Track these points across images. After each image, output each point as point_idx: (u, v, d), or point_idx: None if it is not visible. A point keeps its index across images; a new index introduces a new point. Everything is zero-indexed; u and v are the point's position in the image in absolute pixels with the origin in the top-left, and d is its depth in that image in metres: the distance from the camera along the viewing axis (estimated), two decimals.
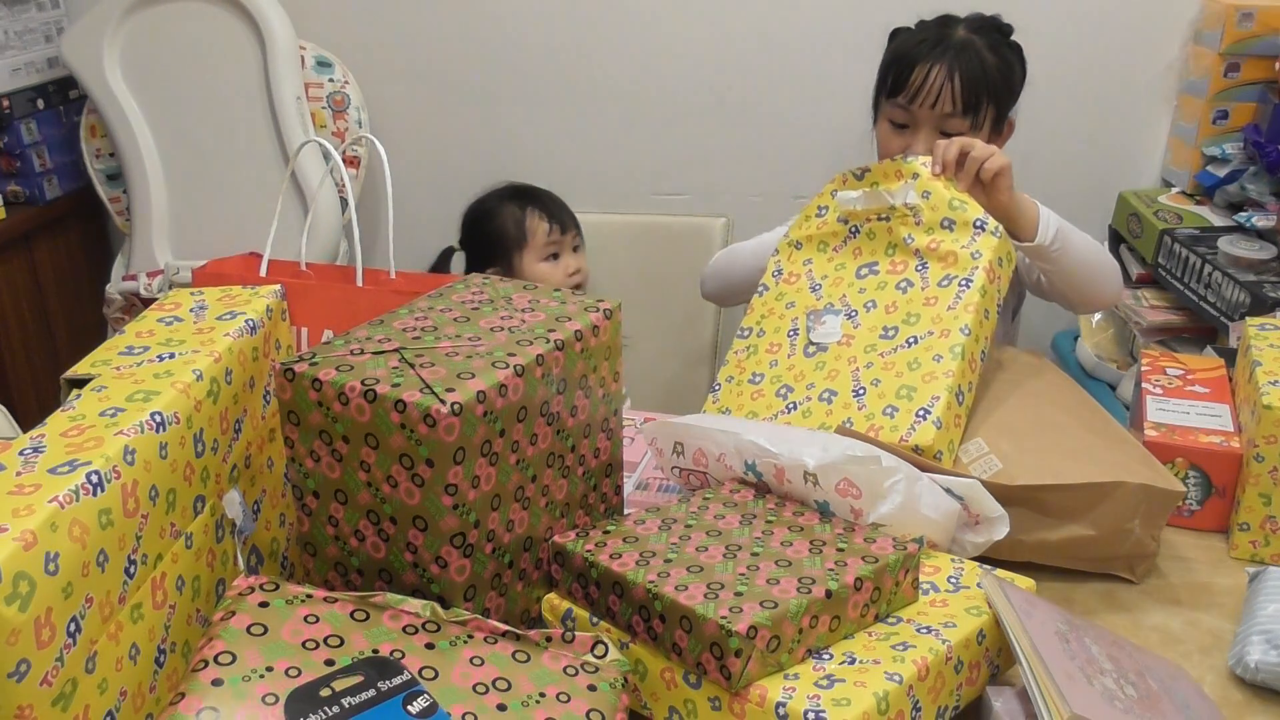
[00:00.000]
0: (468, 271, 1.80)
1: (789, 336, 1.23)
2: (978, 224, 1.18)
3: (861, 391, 1.14)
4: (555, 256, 1.77)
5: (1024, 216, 1.29)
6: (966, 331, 1.12)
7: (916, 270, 1.19)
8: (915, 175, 1.23)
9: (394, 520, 0.80)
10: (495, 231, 1.76)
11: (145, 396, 0.76)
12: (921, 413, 1.08)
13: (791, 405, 1.16)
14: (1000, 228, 1.18)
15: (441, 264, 1.85)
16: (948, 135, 1.49)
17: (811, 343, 1.20)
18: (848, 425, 1.11)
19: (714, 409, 1.22)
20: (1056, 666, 0.77)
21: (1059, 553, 1.06)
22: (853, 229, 1.25)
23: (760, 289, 1.29)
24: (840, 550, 0.86)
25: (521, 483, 0.85)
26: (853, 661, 0.78)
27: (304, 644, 0.70)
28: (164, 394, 0.76)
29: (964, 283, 1.16)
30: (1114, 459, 1.06)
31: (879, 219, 1.23)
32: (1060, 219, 1.33)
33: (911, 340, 1.14)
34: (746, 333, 1.27)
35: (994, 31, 1.51)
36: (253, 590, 0.73)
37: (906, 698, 0.76)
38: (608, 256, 1.98)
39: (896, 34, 1.55)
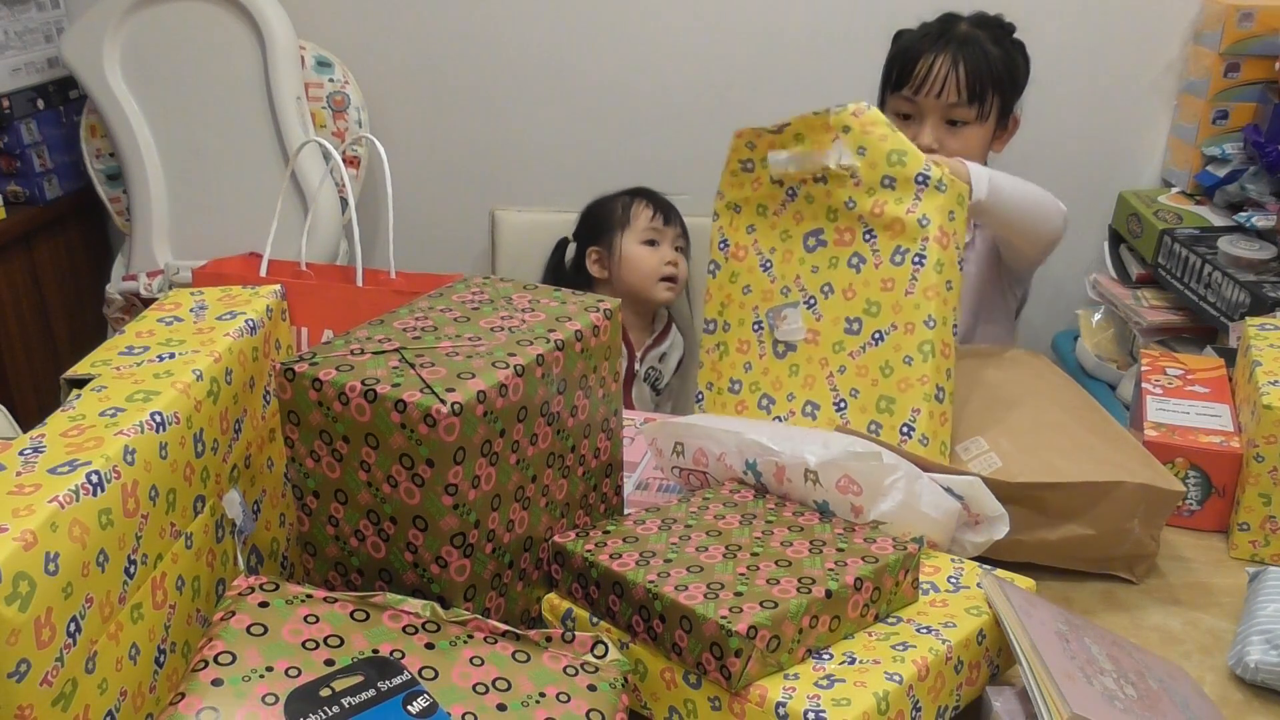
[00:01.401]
0: (575, 255, 1.90)
1: (754, 331, 1.21)
2: (920, 179, 1.13)
3: (843, 405, 1.14)
4: (654, 244, 1.84)
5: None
6: (931, 324, 1.10)
7: (865, 240, 1.15)
8: (846, 128, 1.16)
9: (394, 520, 0.80)
10: (604, 213, 1.87)
11: (145, 396, 0.76)
12: (906, 429, 1.09)
13: (778, 419, 1.17)
14: (944, 176, 1.13)
15: (556, 254, 1.94)
16: (954, 125, 1.50)
17: (779, 341, 1.19)
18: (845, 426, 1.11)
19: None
20: (1056, 666, 0.77)
21: (1059, 552, 1.06)
22: (789, 191, 1.21)
23: (710, 267, 1.26)
24: (840, 550, 0.86)
25: (521, 483, 0.85)
26: (853, 661, 0.78)
27: (304, 644, 0.70)
28: (164, 394, 0.76)
29: (917, 259, 1.12)
30: (1114, 458, 1.06)
31: (815, 180, 1.18)
32: (990, 169, 1.31)
33: (877, 336, 1.13)
34: (712, 326, 1.26)
35: (997, 27, 1.52)
36: (253, 590, 0.73)
37: (906, 698, 0.76)
38: None
39: (900, 35, 1.56)
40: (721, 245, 1.26)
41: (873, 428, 1.11)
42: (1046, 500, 1.04)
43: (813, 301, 1.18)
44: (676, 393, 2.01)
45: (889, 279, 1.13)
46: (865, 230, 1.15)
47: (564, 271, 1.91)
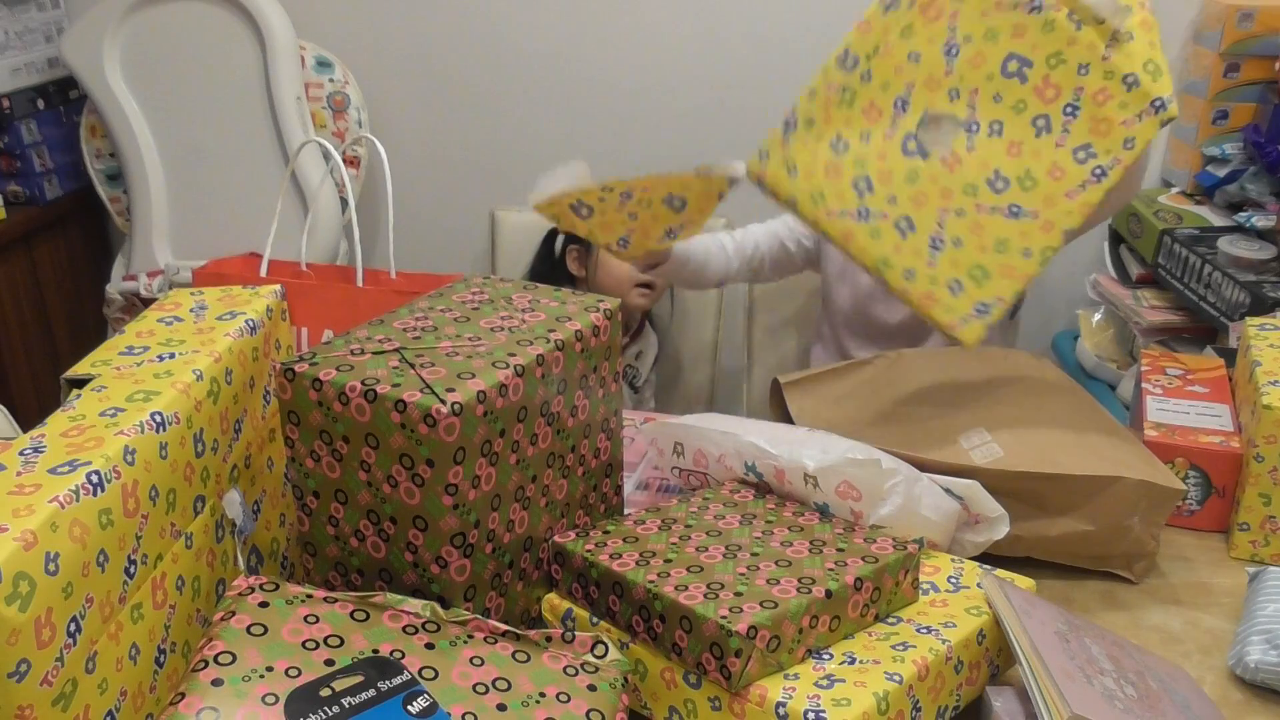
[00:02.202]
0: (563, 247, 1.90)
1: (895, 107, 1.05)
2: (1156, 104, 1.04)
3: (939, 245, 1.03)
4: None
5: None
6: (1065, 237, 1.04)
7: (1064, 111, 1.05)
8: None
9: (394, 520, 0.80)
10: None
11: (145, 396, 0.76)
12: (981, 309, 1.02)
13: (863, 212, 1.03)
14: (1171, 106, 1.05)
15: (546, 244, 1.94)
16: None
17: (914, 137, 1.05)
18: (909, 278, 1.03)
19: (778, 150, 1.03)
20: (1056, 666, 0.77)
21: (1058, 548, 1.06)
22: (1035, 3, 1.05)
23: (886, 1, 1.05)
24: (840, 550, 0.86)
25: (521, 483, 0.85)
26: (853, 661, 0.78)
27: (304, 644, 0.70)
28: (164, 394, 0.76)
29: (1099, 172, 1.04)
30: (1115, 455, 1.06)
31: (1069, 15, 1.04)
32: None
33: (1015, 210, 1.03)
34: (853, 63, 1.04)
35: None
36: (253, 590, 0.73)
37: (906, 698, 0.76)
38: None
39: None
40: None
41: (953, 286, 1.02)
42: (1046, 493, 1.04)
43: (975, 128, 1.06)
44: (657, 389, 2.01)
45: (1061, 169, 1.04)
46: (1072, 102, 1.05)
47: (551, 264, 1.91)
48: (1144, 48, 1.04)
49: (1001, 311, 1.03)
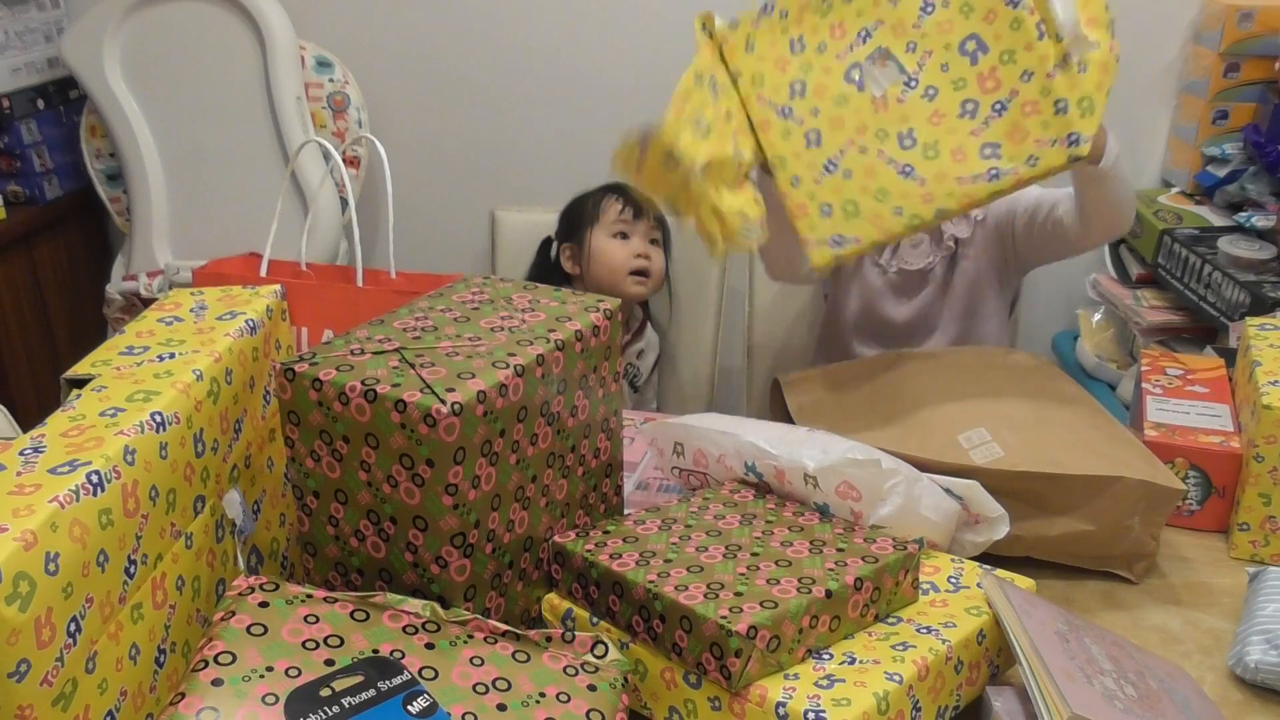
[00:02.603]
0: (556, 251, 1.90)
1: (858, 36, 1.13)
2: (1071, 138, 1.09)
3: (832, 168, 1.11)
4: (625, 237, 1.83)
5: (1095, 142, 1.22)
6: (939, 215, 1.11)
7: (993, 107, 1.10)
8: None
9: (394, 520, 0.80)
10: (577, 210, 1.88)
11: (145, 396, 0.76)
12: (837, 240, 1.11)
13: (786, 110, 1.12)
14: (1084, 147, 1.10)
15: (541, 253, 1.95)
16: None
17: (860, 67, 1.12)
18: (794, 184, 1.12)
19: (747, 25, 1.15)
20: (1056, 666, 0.77)
21: (1058, 548, 1.06)
22: None
23: None
24: (840, 550, 0.86)
25: (521, 483, 0.85)
26: (853, 661, 0.78)
27: (304, 644, 0.70)
28: (164, 394, 0.76)
29: (993, 173, 1.10)
30: (1115, 455, 1.06)
31: (1038, 23, 1.09)
32: (1118, 147, 1.29)
33: (907, 170, 1.10)
34: None
35: None
36: (253, 590, 0.73)
37: (906, 698, 0.76)
38: None
39: None
40: None
41: (825, 209, 1.11)
42: (1046, 493, 1.04)
43: (913, 84, 1.12)
44: (658, 389, 2.01)
45: (964, 154, 1.10)
46: (1003, 101, 1.10)
47: (547, 270, 1.91)
48: (1090, 85, 1.10)
49: (854, 252, 1.10)
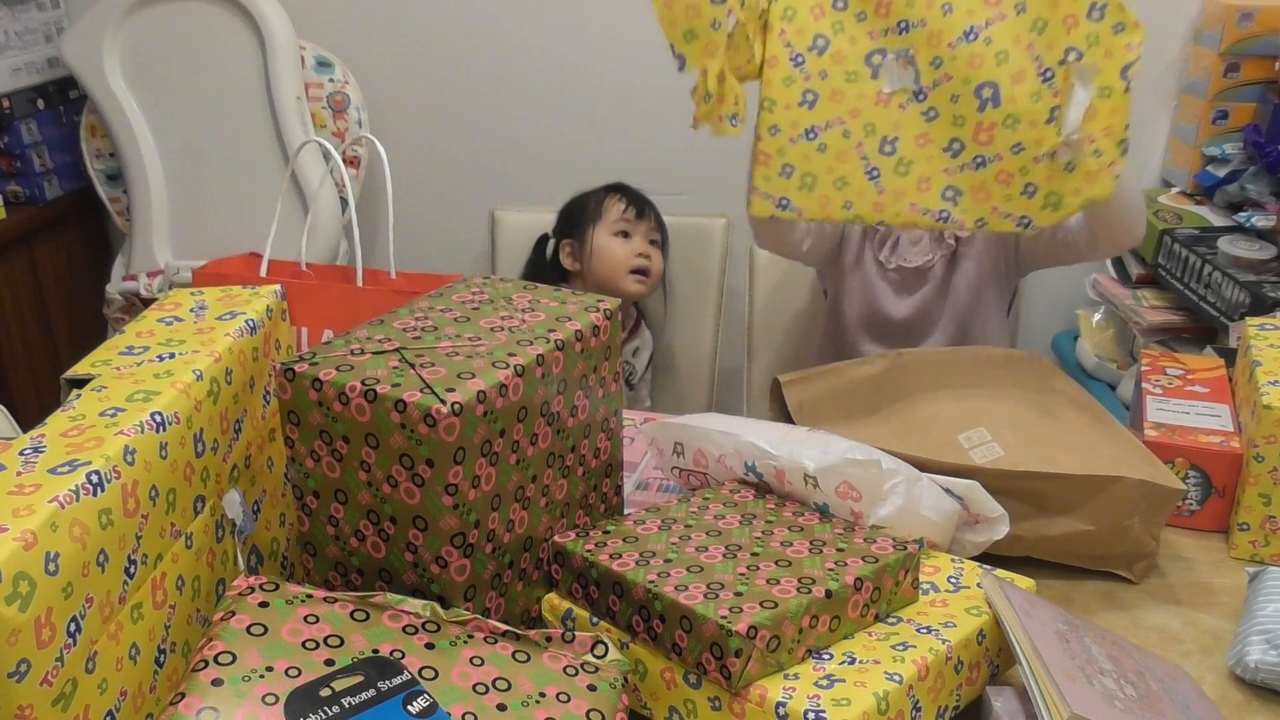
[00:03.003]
0: (553, 251, 1.91)
1: (896, 26, 1.12)
2: (1022, 221, 1.13)
3: (812, 135, 1.13)
4: (626, 236, 1.85)
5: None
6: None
7: (974, 162, 1.12)
8: (1107, 91, 1.09)
9: (394, 520, 0.80)
10: (578, 208, 1.89)
11: (145, 396, 0.76)
12: (781, 202, 1.14)
13: (799, 59, 1.12)
14: (1031, 229, 1.14)
15: (537, 250, 1.96)
16: None
17: (882, 53, 1.12)
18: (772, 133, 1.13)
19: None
20: (1056, 666, 0.77)
21: (1058, 548, 1.06)
22: (1048, 73, 1.10)
23: None
24: (840, 550, 0.86)
25: (521, 483, 0.85)
26: (853, 661, 0.78)
27: (304, 644, 0.70)
28: (164, 394, 0.76)
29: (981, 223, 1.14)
30: (1115, 455, 1.06)
31: (1052, 109, 1.10)
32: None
33: (872, 174, 1.13)
34: None
35: None
36: (253, 590, 0.73)
37: (906, 698, 0.76)
38: None
39: None
40: None
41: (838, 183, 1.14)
42: (1046, 492, 1.04)
43: (921, 97, 1.12)
44: (654, 387, 2.01)
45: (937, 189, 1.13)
46: (985, 156, 1.12)
47: (543, 266, 1.92)
48: (1068, 187, 1.11)
49: (790, 219, 1.16)
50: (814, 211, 1.15)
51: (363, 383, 0.77)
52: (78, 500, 0.65)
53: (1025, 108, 1.10)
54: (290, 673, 0.68)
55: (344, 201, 2.16)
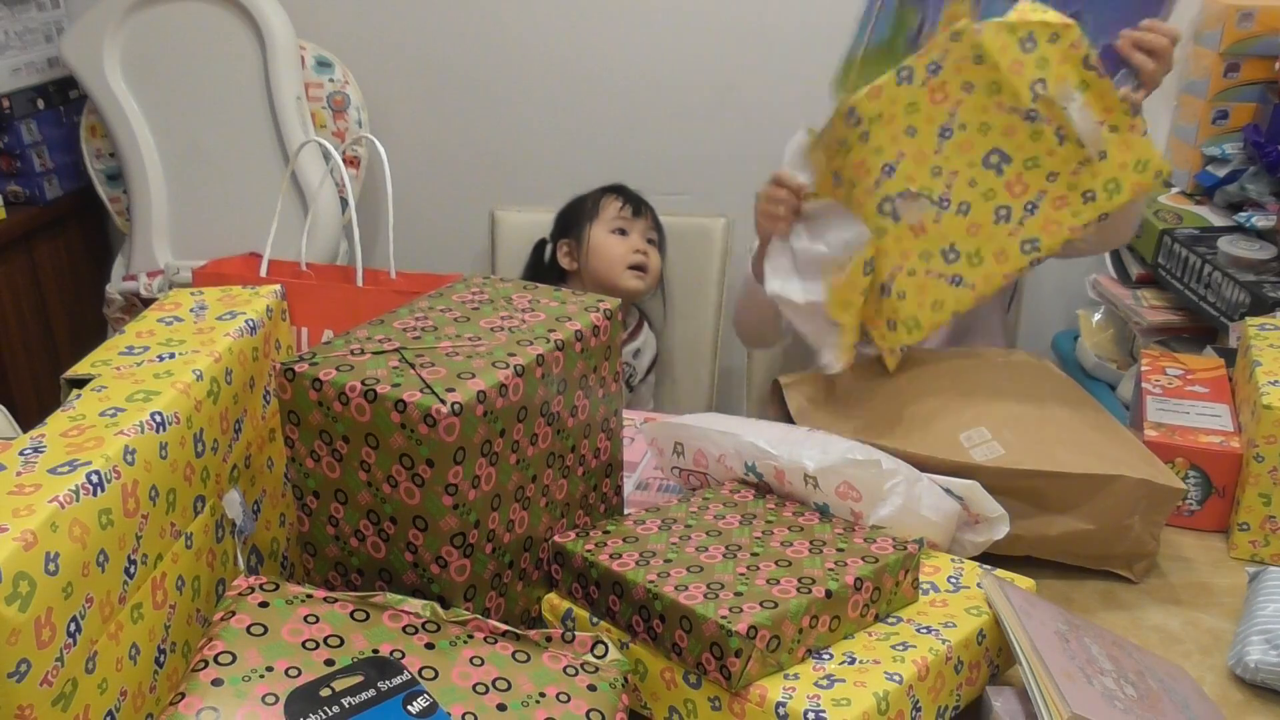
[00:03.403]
0: (551, 253, 1.93)
1: (882, 171, 1.16)
2: (1102, 217, 1.13)
3: (887, 292, 1.18)
4: (623, 233, 1.86)
5: None
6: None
7: (1025, 208, 1.15)
8: (1084, 84, 1.12)
9: (394, 520, 0.80)
10: (575, 208, 1.91)
11: (145, 396, 0.76)
12: (903, 350, 1.20)
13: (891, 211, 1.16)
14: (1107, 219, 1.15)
15: (535, 254, 1.97)
16: None
17: (891, 200, 1.17)
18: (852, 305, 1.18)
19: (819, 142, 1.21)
20: (1056, 666, 0.77)
21: (1058, 548, 1.06)
22: (1031, 113, 1.13)
23: (902, 75, 1.14)
24: (840, 550, 0.86)
25: (522, 483, 0.85)
26: (853, 661, 0.78)
27: (304, 644, 0.70)
28: (164, 394, 0.76)
29: (1035, 262, 1.16)
30: (1115, 454, 1.06)
31: (1056, 130, 1.13)
32: None
33: (956, 280, 1.17)
34: (855, 121, 1.16)
35: None
36: (253, 590, 0.73)
37: (906, 698, 0.76)
38: None
39: None
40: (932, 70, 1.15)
41: (890, 324, 1.19)
42: (1046, 491, 1.04)
43: (945, 204, 1.16)
44: (655, 388, 2.01)
45: (1005, 254, 1.16)
46: (1033, 202, 1.15)
47: (542, 270, 1.92)
48: (1113, 167, 1.13)
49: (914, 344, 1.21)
50: (931, 330, 1.20)
51: (363, 383, 0.77)
52: (78, 500, 0.65)
53: (1033, 147, 1.14)
54: (290, 673, 0.68)
55: (344, 201, 2.16)
